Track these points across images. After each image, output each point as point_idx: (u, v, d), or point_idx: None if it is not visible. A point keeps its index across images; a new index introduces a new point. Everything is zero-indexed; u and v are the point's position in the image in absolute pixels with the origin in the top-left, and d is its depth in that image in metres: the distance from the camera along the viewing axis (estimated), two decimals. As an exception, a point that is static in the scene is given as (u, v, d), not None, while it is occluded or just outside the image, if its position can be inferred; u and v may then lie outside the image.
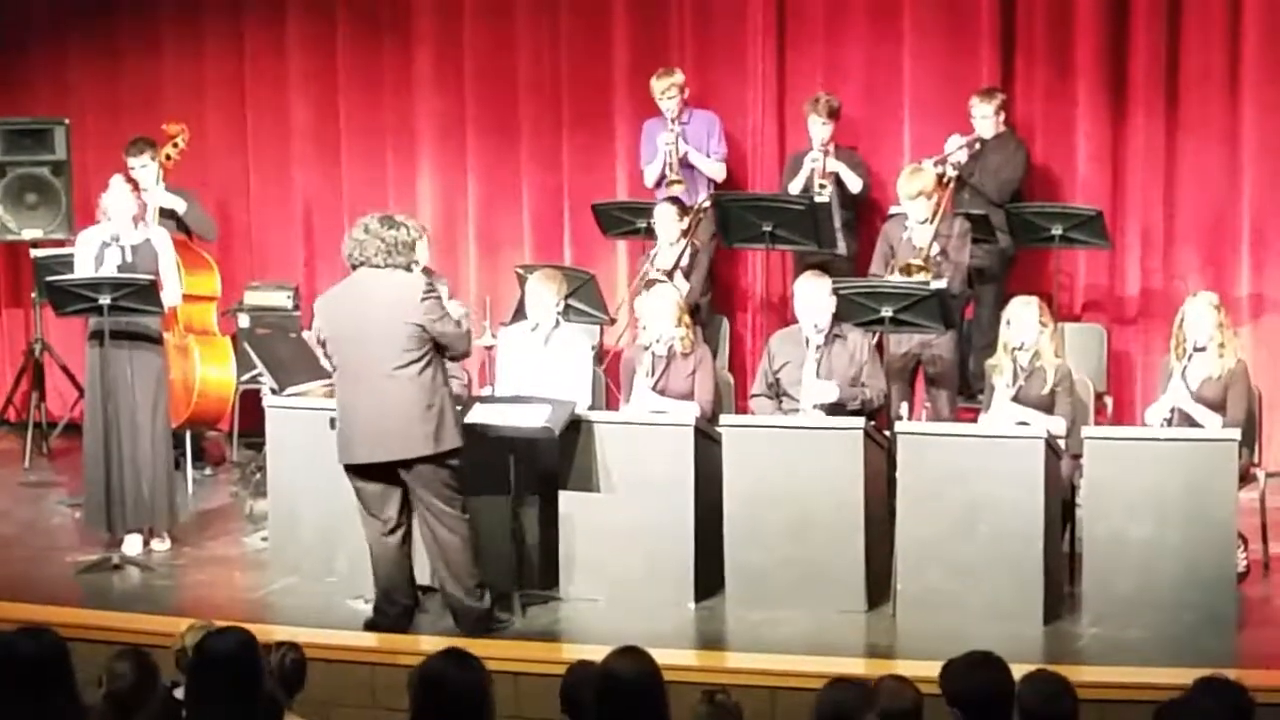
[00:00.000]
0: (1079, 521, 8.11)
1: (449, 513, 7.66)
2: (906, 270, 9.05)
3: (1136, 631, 7.58)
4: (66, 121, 11.07)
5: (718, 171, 10.43)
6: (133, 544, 8.97)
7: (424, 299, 7.56)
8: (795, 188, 10.07)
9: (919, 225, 9.25)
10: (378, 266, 7.61)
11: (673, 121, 10.31)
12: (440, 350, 7.63)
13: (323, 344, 7.84)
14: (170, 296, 9.05)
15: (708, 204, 10.01)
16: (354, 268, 7.69)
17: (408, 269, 7.69)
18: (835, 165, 10.10)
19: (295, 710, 5.51)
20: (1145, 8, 10.02)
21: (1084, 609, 7.81)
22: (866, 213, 10.35)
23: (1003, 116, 9.98)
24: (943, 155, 9.83)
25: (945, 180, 9.46)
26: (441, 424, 7.58)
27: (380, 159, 11.35)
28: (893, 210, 10.01)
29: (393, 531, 7.72)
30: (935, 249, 9.19)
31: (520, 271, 9.68)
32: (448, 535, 7.66)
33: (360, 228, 7.68)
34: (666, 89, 10.32)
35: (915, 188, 9.22)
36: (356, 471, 7.70)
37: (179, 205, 10.32)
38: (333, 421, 8.14)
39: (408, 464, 7.59)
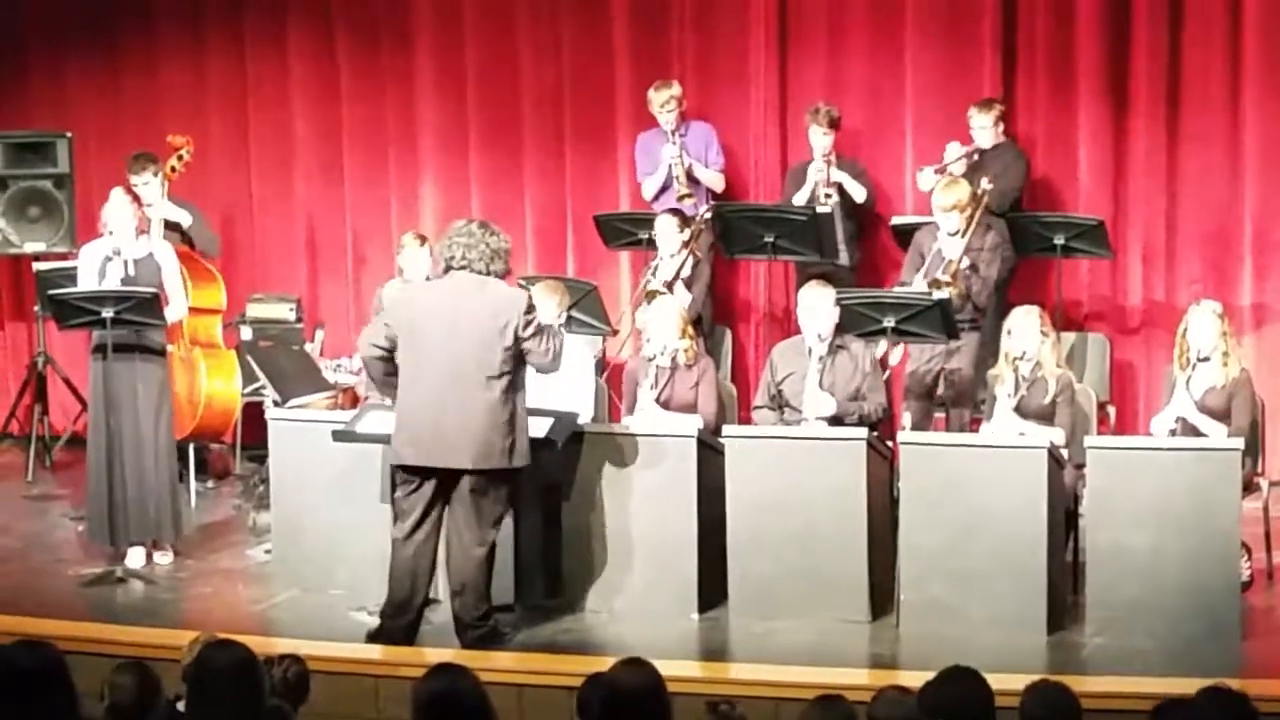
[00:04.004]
0: (1082, 531, 8.11)
1: (482, 532, 7.59)
2: (935, 285, 8.98)
3: (1140, 641, 7.57)
4: (69, 135, 11.05)
5: (717, 182, 10.43)
6: (136, 557, 8.95)
7: (528, 313, 7.54)
8: (800, 199, 10.04)
9: (950, 238, 9.21)
10: (479, 272, 7.57)
11: (672, 134, 10.30)
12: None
13: (389, 338, 7.61)
14: (175, 310, 9.01)
15: (708, 215, 10.01)
16: (448, 269, 7.63)
17: (503, 277, 7.66)
18: (839, 175, 10.09)
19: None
20: (1146, 18, 10.02)
21: (1087, 619, 7.80)
22: (868, 224, 10.35)
23: (1001, 127, 9.96)
24: (942, 164, 9.82)
25: (980, 194, 9.39)
26: (518, 440, 7.55)
27: (383, 172, 11.35)
28: (896, 221, 10.03)
29: (421, 537, 7.61)
30: (965, 262, 9.16)
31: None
32: (474, 551, 7.58)
33: (463, 231, 7.60)
34: (665, 101, 10.31)
35: (950, 200, 9.17)
36: (409, 471, 7.61)
37: (184, 219, 10.29)
38: (335, 434, 8.15)
39: (471, 474, 7.53)
